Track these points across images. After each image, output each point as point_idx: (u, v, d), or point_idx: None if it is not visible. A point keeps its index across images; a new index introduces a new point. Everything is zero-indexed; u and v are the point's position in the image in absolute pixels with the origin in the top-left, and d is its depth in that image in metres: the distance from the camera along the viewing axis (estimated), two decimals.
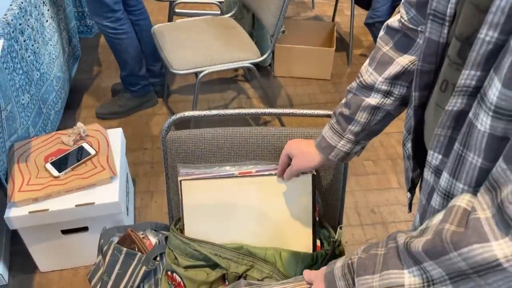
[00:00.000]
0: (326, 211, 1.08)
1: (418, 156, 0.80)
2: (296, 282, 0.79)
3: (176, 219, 1.03)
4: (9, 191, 1.40)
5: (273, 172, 0.94)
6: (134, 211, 1.85)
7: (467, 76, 0.50)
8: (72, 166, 1.46)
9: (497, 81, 0.44)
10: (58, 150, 1.53)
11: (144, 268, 1.25)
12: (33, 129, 1.71)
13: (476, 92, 0.50)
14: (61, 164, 1.46)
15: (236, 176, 0.95)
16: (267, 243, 0.95)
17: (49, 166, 1.45)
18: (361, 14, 2.88)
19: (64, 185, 1.41)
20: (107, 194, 1.42)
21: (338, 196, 1.08)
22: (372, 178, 2.00)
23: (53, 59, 1.96)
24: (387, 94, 0.76)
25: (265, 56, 1.93)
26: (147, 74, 2.26)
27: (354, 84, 0.80)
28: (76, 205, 1.39)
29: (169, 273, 0.97)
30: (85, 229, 1.52)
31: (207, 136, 1.02)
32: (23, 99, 1.63)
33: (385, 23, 0.76)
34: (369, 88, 0.77)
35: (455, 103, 0.53)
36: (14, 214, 1.37)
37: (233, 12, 2.26)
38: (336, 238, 0.98)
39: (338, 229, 1.02)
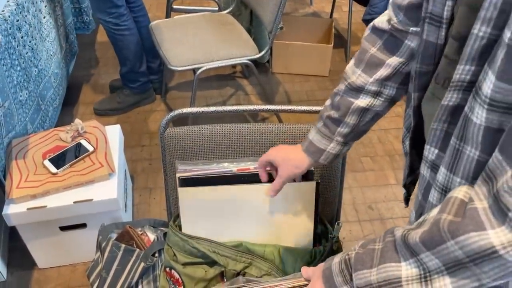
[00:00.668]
0: (324, 208, 1.08)
1: (418, 154, 0.79)
2: (295, 278, 0.79)
3: (175, 216, 1.03)
4: (7, 188, 1.40)
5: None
6: (133, 207, 1.85)
7: (462, 71, 0.50)
8: (70, 163, 1.46)
9: (491, 74, 0.45)
10: (56, 146, 1.52)
11: (142, 264, 1.25)
12: (31, 126, 1.71)
13: (471, 87, 0.50)
14: (59, 160, 1.46)
15: (235, 173, 0.95)
16: (266, 241, 0.95)
17: (47, 162, 1.45)
18: (359, 10, 2.88)
19: (62, 182, 1.41)
20: (105, 190, 1.43)
21: (336, 192, 1.08)
22: (369, 175, 2.00)
23: (51, 55, 1.96)
24: (376, 95, 0.76)
25: (263, 52, 1.93)
26: (146, 71, 2.26)
27: (341, 87, 0.79)
28: (74, 202, 1.40)
29: (167, 269, 0.98)
30: (83, 225, 1.52)
31: (205, 133, 1.02)
32: (21, 96, 1.62)
33: (371, 23, 0.76)
34: (358, 90, 0.77)
35: (450, 98, 0.53)
36: (12, 210, 1.37)
37: (231, 8, 2.25)
38: (334, 234, 0.98)
39: (336, 225, 1.02)
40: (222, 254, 0.92)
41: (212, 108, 1.04)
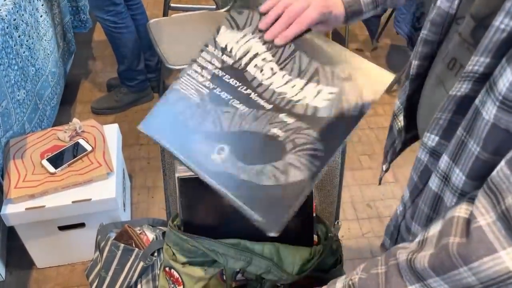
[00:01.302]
0: (323, 206, 1.09)
1: (408, 129, 0.79)
2: None
3: (174, 215, 1.03)
4: (5, 188, 1.40)
5: None
6: (131, 207, 1.85)
7: (476, 63, 0.49)
8: (69, 163, 1.45)
9: (509, 72, 0.43)
10: (54, 146, 1.52)
11: (141, 263, 1.25)
12: (29, 125, 1.70)
13: (482, 79, 0.49)
14: (57, 160, 1.46)
15: None
16: (265, 239, 0.96)
17: (45, 162, 1.45)
18: None
19: (61, 182, 1.40)
20: (103, 190, 1.42)
21: (334, 191, 1.08)
22: (368, 173, 2.01)
23: (48, 54, 1.95)
24: None
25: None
26: (144, 69, 2.26)
27: None
28: (72, 202, 1.39)
29: (167, 269, 0.98)
30: (82, 225, 1.52)
31: None
32: (18, 95, 1.62)
33: None
34: None
35: (459, 88, 0.52)
36: (11, 210, 1.36)
37: (228, 6, 2.25)
38: (333, 232, 0.98)
39: (336, 224, 1.02)
40: (221, 252, 0.92)
41: None
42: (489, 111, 0.46)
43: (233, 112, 0.71)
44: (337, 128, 0.67)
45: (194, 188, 0.95)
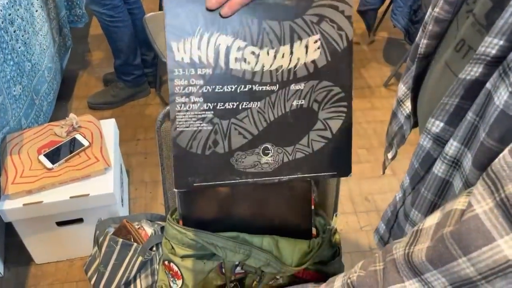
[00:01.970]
0: (322, 199, 1.09)
1: (415, 113, 0.78)
2: None
3: (173, 209, 1.03)
4: (2, 184, 1.39)
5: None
6: (129, 202, 1.85)
7: (489, 44, 0.47)
8: (66, 158, 1.45)
9: None
10: (51, 141, 1.52)
11: (140, 258, 1.25)
12: (25, 121, 1.70)
13: (494, 62, 0.47)
14: (54, 156, 1.46)
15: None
16: (263, 232, 0.96)
17: (42, 158, 1.44)
18: (353, 1, 2.87)
19: (58, 177, 1.40)
20: (101, 185, 1.42)
21: (333, 184, 1.08)
22: (366, 166, 2.01)
23: (44, 49, 1.94)
24: None
25: None
26: (141, 64, 2.25)
27: None
28: (70, 197, 1.39)
29: (166, 262, 0.98)
30: (80, 220, 1.52)
31: None
32: (14, 91, 1.61)
33: None
34: None
35: (469, 71, 0.50)
36: (8, 206, 1.36)
37: None
38: (332, 225, 0.99)
39: (334, 216, 1.03)
40: (220, 246, 0.93)
41: None
42: (501, 96, 0.44)
43: (249, 113, 0.69)
44: (341, 66, 0.70)
45: None
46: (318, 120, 0.72)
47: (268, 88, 0.69)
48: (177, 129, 0.67)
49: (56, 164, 1.43)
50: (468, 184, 0.53)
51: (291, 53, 0.69)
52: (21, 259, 1.63)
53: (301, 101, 0.70)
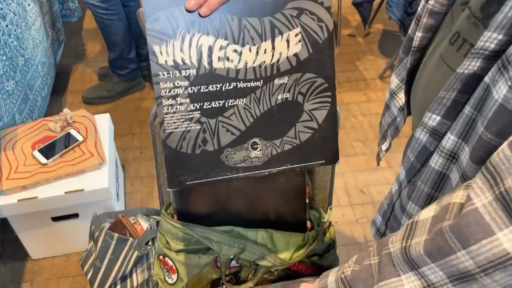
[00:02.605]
0: (316, 193, 1.09)
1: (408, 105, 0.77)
2: None
3: (167, 204, 1.03)
4: None
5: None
6: (125, 196, 1.85)
7: (488, 39, 0.47)
8: (60, 153, 1.44)
9: None
10: (45, 137, 1.51)
11: (136, 253, 1.26)
12: (19, 116, 1.69)
13: (492, 56, 0.47)
14: (48, 151, 1.45)
15: None
16: (258, 226, 0.96)
17: (36, 153, 1.44)
18: None
19: (53, 172, 1.40)
20: (96, 180, 1.42)
21: (327, 177, 1.08)
22: (361, 159, 2.02)
23: (37, 44, 1.92)
24: None
25: None
26: (136, 57, 2.23)
27: None
28: (65, 192, 1.39)
29: (161, 257, 0.98)
30: (75, 215, 1.52)
31: None
32: (7, 86, 1.60)
33: None
34: None
35: (468, 66, 0.50)
36: (3, 202, 1.36)
37: None
38: (326, 219, 0.99)
39: (328, 209, 1.03)
40: (215, 240, 0.93)
41: None
42: (500, 90, 0.44)
43: (236, 110, 0.71)
44: (323, 57, 0.71)
45: None
46: (303, 111, 0.73)
47: (252, 84, 0.70)
48: (166, 131, 0.68)
49: (51, 160, 1.42)
50: (465, 177, 0.53)
51: (273, 48, 0.69)
52: (17, 255, 1.63)
53: (286, 95, 0.72)
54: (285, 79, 0.71)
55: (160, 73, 0.67)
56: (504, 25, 0.45)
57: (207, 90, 0.69)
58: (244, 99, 0.70)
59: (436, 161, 0.57)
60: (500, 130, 0.45)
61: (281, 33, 0.69)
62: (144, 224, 1.36)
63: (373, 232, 0.81)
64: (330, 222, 1.00)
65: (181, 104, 0.68)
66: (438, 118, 0.56)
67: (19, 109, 1.69)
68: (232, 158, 0.73)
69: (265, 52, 0.69)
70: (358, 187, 1.90)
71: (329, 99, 0.74)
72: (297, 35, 0.70)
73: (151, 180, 1.91)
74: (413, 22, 0.71)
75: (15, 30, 1.68)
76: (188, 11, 0.66)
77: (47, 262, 1.63)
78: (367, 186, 1.90)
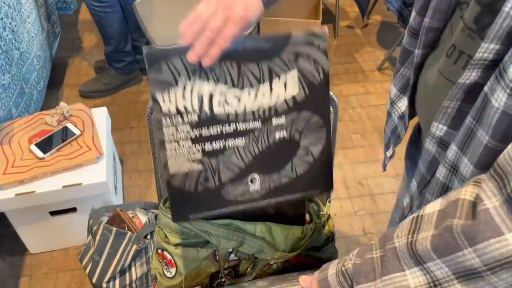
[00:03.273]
0: None
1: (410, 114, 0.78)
2: (292, 287, 0.79)
3: (165, 198, 1.02)
4: None
5: None
6: (123, 190, 1.84)
7: (486, 50, 0.48)
8: (57, 147, 1.43)
9: None
10: (42, 131, 1.50)
11: (135, 246, 1.25)
12: (16, 110, 1.67)
13: (491, 65, 0.48)
14: (45, 145, 1.44)
15: None
16: (257, 219, 0.96)
17: (33, 147, 1.43)
18: None
19: (50, 167, 1.39)
20: (94, 174, 1.41)
21: None
22: (359, 151, 2.01)
23: (32, 37, 1.90)
24: None
25: (250, 29, 1.90)
26: (132, 50, 2.22)
27: None
28: (63, 186, 1.38)
29: (159, 251, 0.98)
30: (73, 209, 1.51)
31: None
32: (3, 80, 1.58)
33: None
34: None
35: (469, 76, 0.51)
36: (0, 197, 1.35)
37: None
38: (325, 211, 0.99)
39: (327, 202, 1.03)
40: (213, 233, 0.92)
41: None
42: (499, 98, 0.45)
43: (235, 150, 0.73)
44: (319, 96, 0.73)
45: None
46: (300, 147, 0.76)
47: (251, 125, 0.72)
48: (170, 172, 0.72)
49: (48, 154, 1.42)
50: None
51: (271, 90, 0.72)
52: (16, 249, 1.63)
53: (283, 133, 0.74)
54: (282, 119, 0.73)
55: (163, 120, 0.69)
56: (500, 35, 0.46)
57: (208, 133, 0.71)
58: (244, 139, 0.73)
59: (441, 172, 0.57)
60: (505, 136, 0.46)
61: (278, 76, 0.71)
62: (142, 217, 1.36)
63: None
64: (329, 215, 1.00)
65: (183, 147, 0.71)
66: (445, 128, 0.56)
67: (15, 103, 1.67)
68: (232, 192, 0.76)
69: (263, 95, 0.71)
70: (356, 179, 1.90)
71: (324, 134, 0.76)
72: (294, 78, 0.72)
73: (149, 173, 1.91)
74: (406, 33, 0.72)
75: (9, 23, 1.67)
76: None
77: (46, 256, 1.63)
78: (365, 178, 1.90)
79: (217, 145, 0.72)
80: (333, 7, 2.72)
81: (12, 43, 1.68)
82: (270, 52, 0.70)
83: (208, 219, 0.79)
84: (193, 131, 0.70)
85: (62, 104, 1.56)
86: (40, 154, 1.41)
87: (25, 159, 1.41)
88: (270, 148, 0.75)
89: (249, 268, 0.95)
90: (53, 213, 1.50)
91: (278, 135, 0.74)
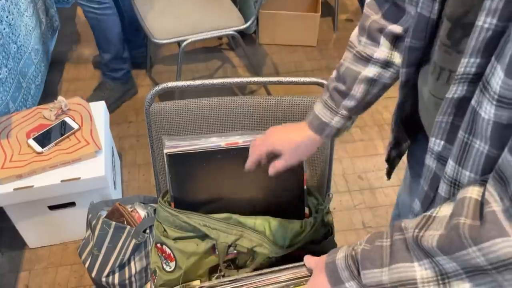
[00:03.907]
0: (314, 179, 1.08)
1: (406, 129, 0.79)
2: (296, 268, 0.79)
3: (164, 192, 1.02)
4: None
5: None
6: (122, 185, 1.84)
7: (467, 64, 0.48)
8: (56, 141, 1.43)
9: (499, 70, 0.43)
10: (40, 125, 1.49)
11: (134, 241, 1.25)
12: (13, 104, 1.67)
13: (476, 79, 0.48)
14: (44, 139, 1.43)
15: (223, 147, 0.93)
16: (256, 213, 0.95)
17: (31, 142, 1.42)
18: None
19: (48, 161, 1.38)
20: (92, 168, 1.41)
21: (326, 163, 1.08)
22: (359, 145, 2.01)
23: (30, 31, 1.89)
24: (385, 65, 0.73)
25: (249, 23, 1.89)
26: (129, 57, 2.12)
27: (348, 55, 0.76)
28: (61, 181, 1.38)
29: (158, 245, 0.97)
30: (72, 204, 1.51)
31: (191, 107, 1.00)
32: (0, 74, 1.57)
33: None
34: (366, 60, 0.73)
35: (455, 91, 0.51)
36: None
37: None
38: (324, 205, 0.98)
39: (327, 196, 1.02)
40: (213, 227, 0.92)
41: (198, 81, 1.02)
42: (487, 110, 0.46)
43: None
44: None
45: (183, 164, 0.93)
46: None
47: None
48: None
49: (46, 148, 1.41)
50: None
51: None
52: (15, 244, 1.63)
53: None
54: None
55: None
56: (478, 48, 0.47)
57: None
58: None
59: (442, 188, 0.57)
60: (503, 142, 0.46)
61: None
62: (141, 212, 1.36)
63: None
64: (328, 209, 0.99)
65: None
66: (442, 142, 0.56)
67: (12, 97, 1.66)
68: None
69: None
70: (356, 173, 1.90)
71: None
72: None
73: (148, 168, 1.90)
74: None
75: (6, 17, 1.65)
76: None
77: (45, 250, 1.62)
78: (365, 172, 1.90)
79: None
80: (333, 0, 2.70)
81: (9, 37, 1.67)
82: None
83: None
84: None
85: (60, 98, 1.55)
86: (38, 148, 1.41)
87: (23, 154, 1.40)
88: None
89: (248, 261, 0.95)
90: (52, 208, 1.49)
91: None
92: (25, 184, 1.36)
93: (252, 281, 0.81)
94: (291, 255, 0.97)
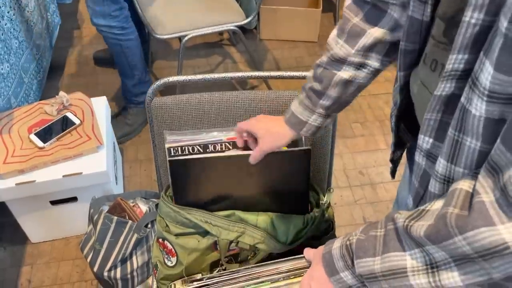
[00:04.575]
0: (315, 174, 1.08)
1: (408, 128, 0.79)
2: (295, 260, 0.80)
3: (166, 187, 1.02)
4: None
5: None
6: (123, 180, 1.84)
7: (455, 61, 0.48)
8: (57, 137, 1.43)
9: (488, 65, 0.43)
10: (42, 120, 1.49)
11: (135, 235, 1.26)
12: (15, 100, 1.67)
13: (465, 75, 0.48)
14: (45, 134, 1.44)
15: (224, 142, 0.94)
16: (258, 209, 0.95)
17: (33, 137, 1.43)
18: None
19: (50, 156, 1.39)
20: (94, 163, 1.41)
21: (326, 159, 1.08)
22: (360, 140, 2.01)
23: (31, 26, 1.89)
24: (360, 66, 0.74)
25: (250, 18, 1.89)
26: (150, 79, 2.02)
27: (324, 58, 0.77)
28: (63, 176, 1.38)
29: (160, 240, 0.98)
30: (74, 199, 1.51)
31: (193, 102, 1.00)
32: (2, 69, 1.57)
33: None
34: (341, 62, 0.74)
35: (443, 88, 0.51)
36: (1, 186, 1.35)
37: None
38: (325, 200, 0.98)
39: (327, 191, 1.02)
40: (214, 224, 0.92)
41: (199, 76, 1.02)
42: (478, 107, 0.45)
43: None
44: None
45: (184, 166, 0.93)
46: None
47: None
48: None
49: (48, 143, 1.41)
50: None
51: None
52: (17, 239, 1.63)
53: None
54: None
55: None
56: (466, 44, 0.46)
57: None
58: None
59: (434, 186, 0.57)
60: (495, 138, 0.46)
61: None
62: (143, 207, 1.36)
63: None
64: (329, 204, 1.00)
65: None
66: (431, 140, 0.56)
67: (14, 92, 1.67)
68: None
69: None
70: (357, 168, 1.90)
71: None
72: None
73: (150, 163, 1.91)
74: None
75: (8, 12, 1.65)
76: None
77: (47, 245, 1.63)
78: (366, 168, 1.90)
79: None
80: None
81: (10, 32, 1.67)
82: None
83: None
84: None
85: (61, 93, 1.55)
86: (40, 143, 1.41)
87: (25, 149, 1.40)
88: None
89: (249, 256, 0.95)
90: (54, 203, 1.50)
91: None
92: (27, 179, 1.36)
93: (252, 272, 0.81)
94: (292, 251, 0.97)
